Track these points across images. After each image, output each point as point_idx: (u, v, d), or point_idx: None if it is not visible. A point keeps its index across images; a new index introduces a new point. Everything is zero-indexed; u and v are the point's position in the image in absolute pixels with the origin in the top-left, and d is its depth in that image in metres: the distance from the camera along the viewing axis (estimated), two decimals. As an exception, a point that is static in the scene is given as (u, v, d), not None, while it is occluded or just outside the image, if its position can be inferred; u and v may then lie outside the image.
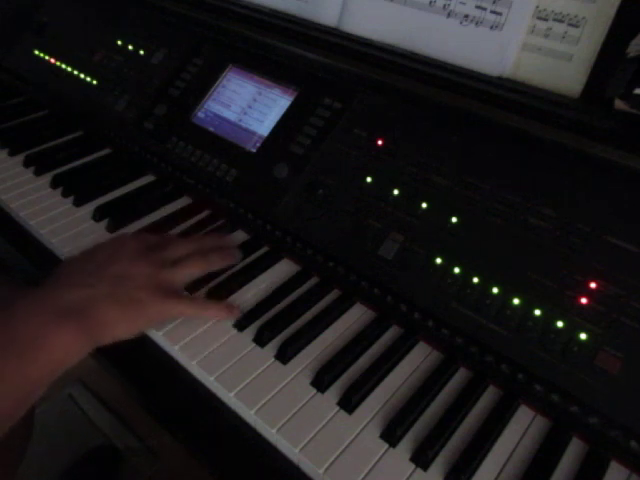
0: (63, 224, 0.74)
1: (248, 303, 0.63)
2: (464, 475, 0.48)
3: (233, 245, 0.69)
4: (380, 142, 0.67)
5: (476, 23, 0.68)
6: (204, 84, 0.83)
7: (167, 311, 0.58)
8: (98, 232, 0.73)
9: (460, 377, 0.57)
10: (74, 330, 0.50)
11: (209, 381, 0.56)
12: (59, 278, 0.56)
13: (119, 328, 0.54)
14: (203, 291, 0.65)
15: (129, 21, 0.96)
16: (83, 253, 0.60)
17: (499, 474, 0.49)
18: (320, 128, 0.71)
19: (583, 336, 0.51)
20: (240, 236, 0.74)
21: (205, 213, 0.77)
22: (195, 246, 0.64)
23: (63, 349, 0.50)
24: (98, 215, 0.75)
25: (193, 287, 0.64)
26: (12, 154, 0.89)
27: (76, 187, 0.80)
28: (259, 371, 0.56)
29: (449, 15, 0.70)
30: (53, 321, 0.50)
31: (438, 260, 0.59)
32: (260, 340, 0.59)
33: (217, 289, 0.64)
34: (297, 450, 0.49)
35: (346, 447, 0.50)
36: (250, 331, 0.60)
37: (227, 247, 0.67)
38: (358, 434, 0.51)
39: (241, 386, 0.54)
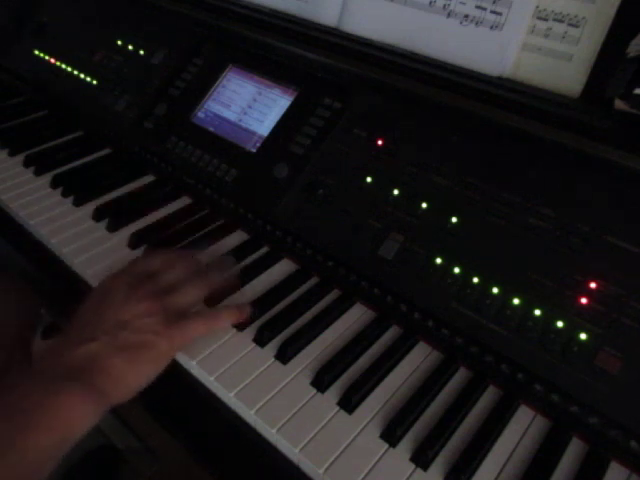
0: (63, 224, 0.74)
1: (248, 303, 0.63)
2: (464, 475, 0.48)
3: (223, 256, 0.67)
4: (380, 142, 0.67)
5: (476, 23, 0.68)
6: (204, 84, 0.83)
7: (179, 341, 0.54)
8: (98, 232, 0.73)
9: (460, 377, 0.57)
10: (80, 390, 0.47)
11: (209, 381, 0.56)
12: (59, 341, 0.52)
13: (131, 378, 0.50)
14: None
15: (129, 21, 0.96)
16: (80, 307, 0.55)
17: (499, 474, 0.49)
18: (320, 128, 0.71)
19: (583, 336, 0.51)
20: (240, 236, 0.74)
21: (203, 213, 0.77)
22: (189, 265, 0.60)
23: (71, 412, 0.46)
24: (98, 215, 0.75)
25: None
26: (12, 154, 0.89)
27: (76, 187, 0.80)
28: (259, 371, 0.56)
29: (449, 15, 0.70)
30: (58, 384, 0.47)
31: (438, 260, 0.59)
32: (260, 340, 0.59)
33: (217, 290, 0.64)
34: (297, 450, 0.49)
35: (346, 447, 0.50)
36: (250, 331, 0.60)
37: (220, 260, 0.65)
38: (358, 434, 0.51)
39: (241, 386, 0.54)
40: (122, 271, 0.58)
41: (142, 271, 0.58)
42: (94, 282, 0.66)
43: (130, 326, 0.51)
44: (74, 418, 0.47)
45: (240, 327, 0.60)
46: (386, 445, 0.50)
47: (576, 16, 0.62)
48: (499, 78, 0.67)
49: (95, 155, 0.90)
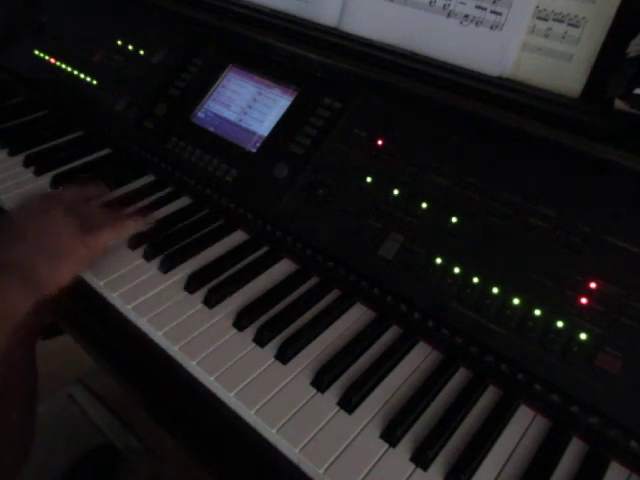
0: (63, 224, 0.74)
1: (248, 303, 0.63)
2: (464, 475, 0.48)
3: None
4: (380, 142, 0.67)
5: (476, 23, 0.68)
6: (204, 84, 0.83)
7: (94, 245, 0.63)
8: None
9: (460, 377, 0.57)
10: (16, 282, 0.56)
11: (209, 381, 0.56)
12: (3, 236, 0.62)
13: (56, 275, 0.60)
14: (204, 290, 0.65)
15: (129, 21, 0.96)
16: (21, 208, 0.67)
17: (499, 474, 0.49)
18: (320, 128, 0.71)
19: (583, 336, 0.51)
20: (240, 236, 0.74)
21: (203, 213, 0.77)
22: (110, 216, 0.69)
23: (13, 296, 0.56)
24: (98, 215, 0.75)
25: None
26: (12, 154, 0.89)
27: (76, 187, 0.80)
28: (259, 371, 0.56)
29: (449, 15, 0.70)
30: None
31: (438, 260, 0.59)
32: (260, 340, 0.59)
33: (217, 287, 0.64)
34: (297, 450, 0.49)
35: (346, 447, 0.50)
36: (250, 331, 0.60)
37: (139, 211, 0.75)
38: (358, 434, 0.51)
39: (241, 386, 0.54)
40: (42, 195, 0.71)
41: (79, 196, 0.69)
42: (92, 280, 0.66)
43: (50, 231, 0.62)
44: (15, 300, 0.56)
45: (240, 327, 0.60)
46: (386, 445, 0.50)
47: (576, 16, 0.62)
48: (499, 78, 0.67)
49: (95, 155, 0.90)
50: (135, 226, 0.69)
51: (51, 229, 0.63)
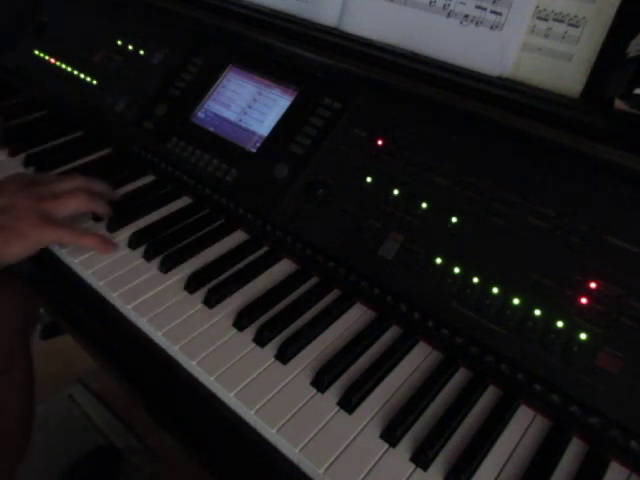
0: (63, 224, 0.74)
1: (248, 303, 0.63)
2: (464, 475, 0.48)
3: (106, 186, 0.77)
4: (380, 142, 0.67)
5: (476, 23, 0.68)
6: (204, 84, 0.83)
7: (46, 237, 0.65)
8: (98, 232, 0.73)
9: (460, 377, 0.57)
10: None
11: (209, 381, 0.56)
12: None
13: (5, 252, 0.63)
14: (204, 290, 0.65)
15: (129, 21, 0.96)
16: None
17: (499, 474, 0.49)
18: (320, 128, 0.71)
19: (583, 336, 0.51)
20: (240, 236, 0.74)
21: (203, 213, 0.77)
22: (82, 183, 0.72)
23: None
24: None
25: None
26: (12, 154, 0.89)
27: (76, 187, 0.80)
28: (259, 371, 0.56)
29: (449, 15, 0.70)
30: None
31: (438, 260, 0.59)
32: (260, 340, 0.59)
33: (217, 287, 0.64)
34: (297, 450, 0.49)
35: (346, 447, 0.50)
36: (250, 331, 0.60)
37: (109, 196, 0.76)
38: (358, 434, 0.51)
39: (241, 386, 0.54)
40: (23, 173, 0.76)
41: (39, 178, 0.72)
42: (92, 280, 0.66)
43: (11, 214, 0.64)
44: None
45: (240, 327, 0.60)
46: (386, 445, 0.51)
47: (576, 16, 0.62)
48: (499, 78, 0.67)
49: (95, 155, 0.90)
50: (100, 244, 0.68)
51: (7, 201, 0.65)
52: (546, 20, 0.64)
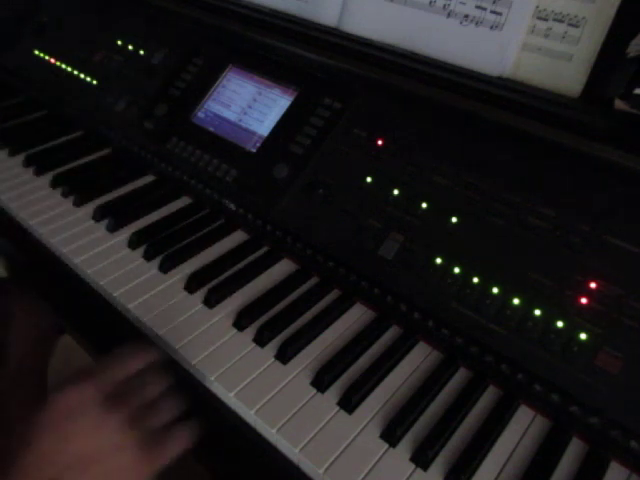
0: (63, 224, 0.74)
1: (248, 303, 0.63)
2: (464, 475, 0.48)
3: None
4: (380, 142, 0.67)
5: (476, 23, 0.68)
6: (204, 84, 0.83)
7: (157, 465, 0.48)
8: (98, 232, 0.73)
9: (460, 377, 0.57)
10: None
11: (209, 381, 0.56)
12: (16, 472, 0.43)
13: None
14: (204, 290, 0.65)
15: (129, 21, 0.96)
16: (38, 423, 0.45)
17: (499, 474, 0.49)
18: (320, 128, 0.71)
19: (583, 336, 0.51)
20: (240, 236, 0.74)
21: (203, 213, 0.77)
22: (161, 376, 0.52)
23: None
24: (98, 215, 0.75)
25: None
26: (12, 154, 0.89)
27: (76, 187, 0.80)
28: (259, 371, 0.56)
29: (449, 15, 0.70)
30: None
31: (438, 260, 0.59)
32: (260, 340, 0.59)
33: (217, 287, 0.64)
34: (297, 450, 0.49)
35: (346, 447, 0.50)
36: (250, 331, 0.60)
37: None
38: (358, 434, 0.51)
39: (241, 386, 0.54)
40: (88, 382, 0.48)
41: (112, 383, 0.48)
42: (92, 280, 0.66)
43: (99, 465, 0.44)
44: None
45: (240, 327, 0.60)
46: (386, 445, 0.50)
47: (576, 16, 0.62)
48: (499, 78, 0.67)
49: (95, 155, 0.90)
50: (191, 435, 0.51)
51: (98, 458, 0.44)
52: (546, 20, 0.64)
